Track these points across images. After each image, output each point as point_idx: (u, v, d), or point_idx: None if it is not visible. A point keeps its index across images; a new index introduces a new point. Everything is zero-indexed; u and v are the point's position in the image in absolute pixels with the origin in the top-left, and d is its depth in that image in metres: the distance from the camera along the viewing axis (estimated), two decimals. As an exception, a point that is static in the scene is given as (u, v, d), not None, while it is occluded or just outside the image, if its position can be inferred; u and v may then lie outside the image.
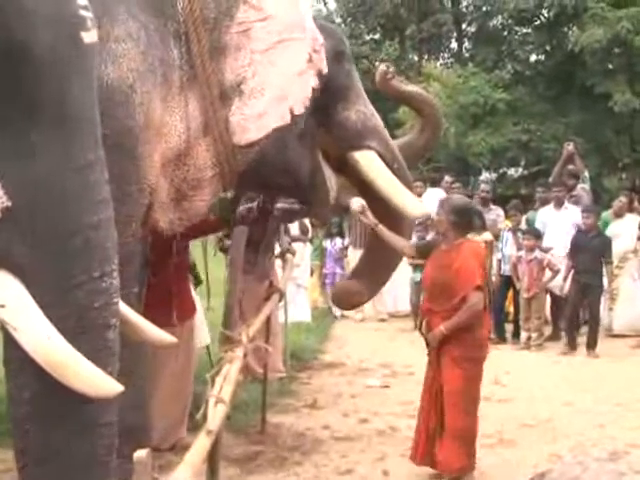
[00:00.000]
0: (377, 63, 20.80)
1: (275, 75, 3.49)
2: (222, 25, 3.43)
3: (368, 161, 4.17)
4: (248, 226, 5.78)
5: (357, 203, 4.47)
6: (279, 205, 5.69)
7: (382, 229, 4.41)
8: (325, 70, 3.70)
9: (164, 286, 4.48)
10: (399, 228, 4.45)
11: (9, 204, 1.79)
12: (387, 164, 4.24)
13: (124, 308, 2.14)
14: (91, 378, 1.81)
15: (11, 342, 1.84)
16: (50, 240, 1.83)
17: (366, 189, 4.31)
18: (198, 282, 5.31)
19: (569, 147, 10.22)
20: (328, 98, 3.93)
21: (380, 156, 4.22)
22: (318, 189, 4.14)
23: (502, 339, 8.38)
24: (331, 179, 4.20)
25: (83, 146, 1.88)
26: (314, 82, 3.66)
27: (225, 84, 3.45)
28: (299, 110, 3.58)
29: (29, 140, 1.80)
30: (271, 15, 3.47)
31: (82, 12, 1.88)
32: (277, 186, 4.19)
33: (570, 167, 9.78)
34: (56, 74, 1.81)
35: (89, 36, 1.90)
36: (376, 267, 4.65)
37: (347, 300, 4.89)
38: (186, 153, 3.41)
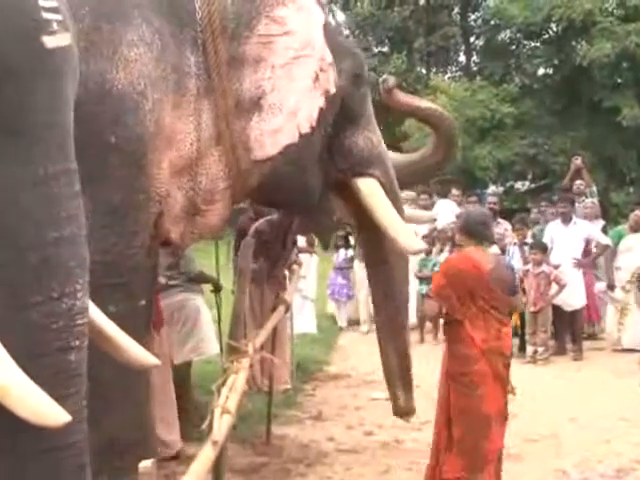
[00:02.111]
0: (384, 76, 20.87)
1: (292, 91, 3.47)
2: (242, 36, 3.40)
3: (370, 190, 4.11)
4: (266, 242, 5.81)
5: None
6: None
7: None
8: (332, 91, 3.65)
9: None
10: (387, 258, 4.40)
11: None
12: (386, 193, 4.21)
13: (108, 326, 2.05)
14: (37, 406, 1.67)
15: None
16: (3, 256, 1.70)
17: (360, 215, 4.25)
18: (217, 289, 5.29)
19: (577, 161, 10.21)
20: (339, 120, 3.88)
21: (381, 185, 4.20)
22: (323, 209, 4.13)
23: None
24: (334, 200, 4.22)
25: (46, 157, 1.75)
26: (321, 102, 3.61)
27: (242, 95, 3.42)
28: (304, 129, 3.54)
29: None
30: (292, 30, 3.46)
31: (46, 15, 1.75)
32: (286, 203, 4.17)
33: (578, 182, 9.77)
34: (12, 81, 1.69)
35: (54, 40, 1.76)
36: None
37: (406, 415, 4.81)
38: (198, 163, 3.38)
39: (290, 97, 3.47)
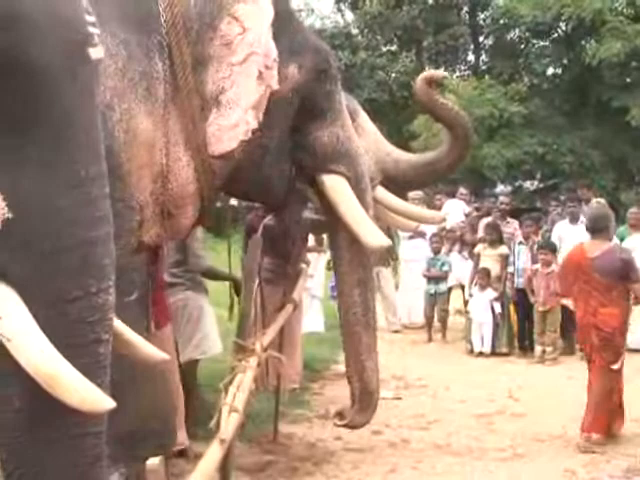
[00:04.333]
0: (393, 75, 20.92)
1: (245, 88, 3.49)
2: (206, 37, 3.43)
3: (334, 186, 4.16)
4: (275, 239, 5.80)
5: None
6: (307, 215, 5.69)
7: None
8: (275, 87, 3.62)
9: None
10: (346, 256, 4.40)
11: (10, 216, 1.79)
12: (353, 188, 4.22)
13: (117, 323, 2.13)
14: (83, 393, 1.80)
15: (3, 352, 1.83)
16: (47, 255, 1.83)
17: (331, 210, 4.29)
18: (238, 289, 5.25)
19: None
20: (303, 116, 3.92)
21: (347, 180, 4.20)
22: (291, 204, 4.18)
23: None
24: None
25: (84, 161, 1.88)
26: (264, 99, 3.59)
27: (206, 95, 3.45)
28: (252, 125, 3.53)
29: (30, 154, 1.80)
30: (247, 27, 3.48)
31: (90, 29, 1.90)
32: (253, 197, 4.26)
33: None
34: (63, 90, 1.82)
35: (95, 52, 1.92)
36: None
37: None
38: (169, 170, 3.38)
39: (245, 93, 3.48)
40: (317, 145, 4.12)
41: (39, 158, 1.82)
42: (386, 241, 4.44)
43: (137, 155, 3.18)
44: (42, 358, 1.78)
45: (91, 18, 1.91)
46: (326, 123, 4.13)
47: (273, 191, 4.04)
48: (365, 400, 4.55)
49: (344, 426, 4.67)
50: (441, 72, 4.67)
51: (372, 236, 4.14)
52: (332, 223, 4.38)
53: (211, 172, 3.51)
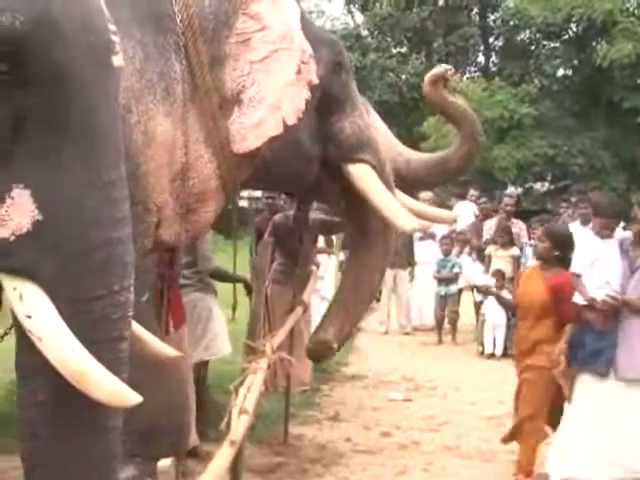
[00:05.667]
0: (403, 76, 20.91)
1: (272, 84, 3.50)
2: (221, 35, 3.44)
3: (361, 174, 4.18)
4: (281, 238, 5.80)
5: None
6: (317, 216, 5.70)
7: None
8: (315, 81, 3.66)
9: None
10: (378, 245, 4.42)
11: (40, 218, 1.86)
12: (378, 175, 4.25)
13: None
14: (112, 389, 1.88)
15: (28, 349, 1.91)
16: (74, 254, 1.90)
17: (349, 199, 4.33)
18: (249, 290, 5.24)
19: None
20: (324, 109, 3.97)
21: (372, 168, 4.24)
22: (321, 197, 4.23)
23: None
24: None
25: (108, 164, 1.96)
26: (306, 94, 3.63)
27: (225, 94, 3.46)
28: (291, 120, 3.56)
29: (59, 157, 1.87)
30: (268, 25, 3.49)
31: (112, 37, 1.97)
32: (282, 189, 4.29)
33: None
34: (89, 96, 1.89)
35: (117, 59, 1.99)
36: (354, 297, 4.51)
37: (319, 353, 4.53)
38: (190, 167, 3.40)
39: (271, 90, 3.49)
40: (342, 136, 4.16)
41: (66, 162, 1.88)
42: (417, 222, 4.50)
43: (156, 156, 3.20)
44: (72, 356, 1.85)
45: (113, 27, 1.98)
46: (346, 114, 4.18)
47: (299, 183, 4.13)
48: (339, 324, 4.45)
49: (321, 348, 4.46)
50: (445, 66, 4.63)
51: (405, 219, 4.19)
52: (360, 211, 4.38)
53: (235, 168, 3.53)
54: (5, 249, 1.86)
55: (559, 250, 4.53)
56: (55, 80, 1.84)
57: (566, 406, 4.30)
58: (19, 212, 1.85)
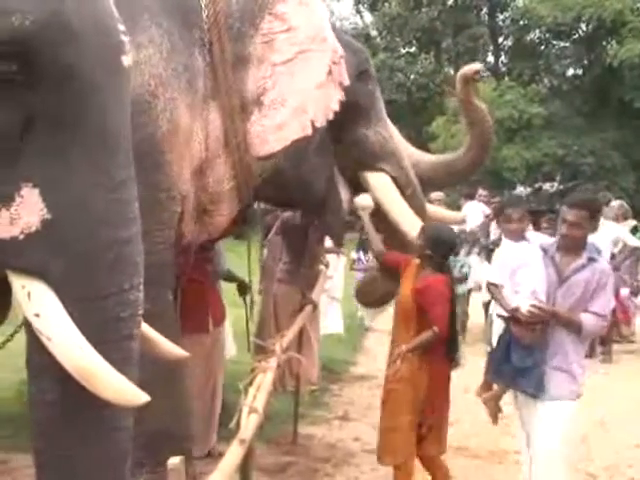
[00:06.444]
0: (412, 76, 20.88)
1: (296, 86, 3.46)
2: (247, 35, 3.42)
3: (380, 183, 4.19)
4: (288, 236, 5.79)
5: (364, 200, 4.38)
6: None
7: (369, 225, 4.39)
8: (346, 82, 3.65)
9: (199, 293, 4.50)
10: (404, 251, 4.40)
11: (49, 217, 1.86)
12: (400, 188, 4.24)
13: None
14: (120, 388, 1.88)
15: (38, 347, 1.91)
16: (84, 254, 1.90)
17: (376, 210, 4.32)
18: (243, 290, 5.25)
19: None
20: (348, 115, 3.88)
21: (394, 180, 4.21)
22: (331, 204, 4.17)
23: None
24: (343, 193, 4.24)
25: (119, 165, 1.96)
26: (338, 94, 3.62)
27: (246, 95, 3.43)
28: (321, 122, 3.55)
29: (68, 157, 1.88)
30: (294, 26, 3.46)
31: (122, 37, 1.98)
32: (291, 200, 4.22)
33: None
34: (99, 96, 1.90)
35: (127, 59, 2.00)
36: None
37: (372, 295, 4.73)
38: (207, 165, 3.39)
39: (294, 93, 3.46)
40: (366, 144, 4.15)
41: (75, 161, 1.89)
42: None
43: (178, 145, 3.17)
44: (80, 355, 1.85)
45: (123, 27, 1.99)
46: (371, 122, 4.18)
47: (313, 190, 4.03)
48: None
49: None
50: (477, 65, 4.57)
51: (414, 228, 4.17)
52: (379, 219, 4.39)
53: (249, 172, 3.50)
54: (14, 248, 1.87)
55: (430, 250, 4.04)
56: (65, 80, 1.84)
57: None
58: (28, 211, 1.85)
